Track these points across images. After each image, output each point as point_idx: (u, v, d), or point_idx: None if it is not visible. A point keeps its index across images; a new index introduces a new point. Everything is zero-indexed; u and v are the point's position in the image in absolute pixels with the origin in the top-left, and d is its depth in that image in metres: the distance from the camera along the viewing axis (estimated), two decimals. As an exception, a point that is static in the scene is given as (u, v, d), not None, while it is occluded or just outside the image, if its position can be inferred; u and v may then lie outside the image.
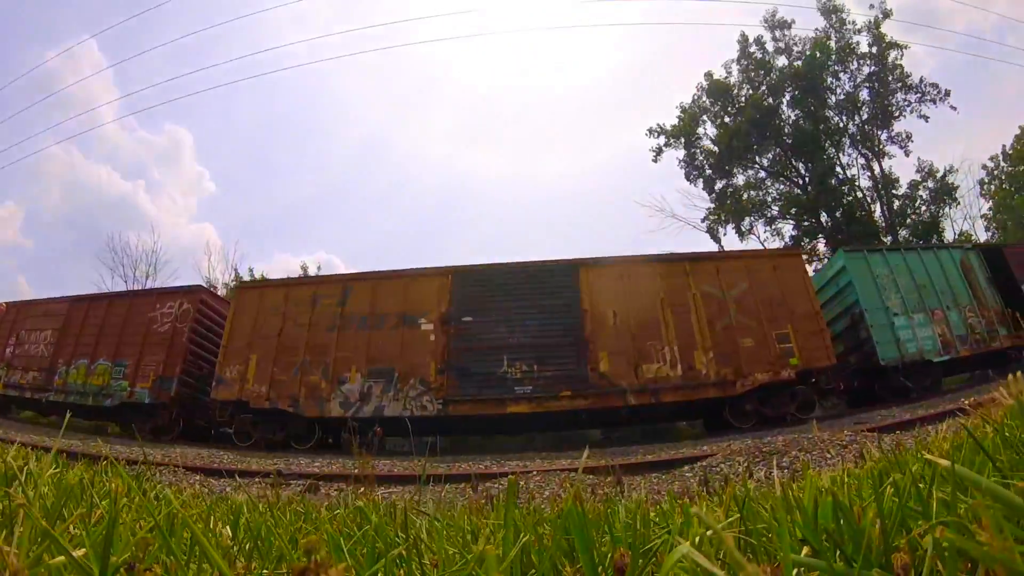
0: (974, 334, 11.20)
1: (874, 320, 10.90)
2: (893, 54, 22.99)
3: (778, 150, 24.50)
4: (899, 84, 23.01)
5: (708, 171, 25.41)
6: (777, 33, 24.40)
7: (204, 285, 11.61)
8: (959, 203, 23.22)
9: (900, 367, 10.59)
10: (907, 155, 23.15)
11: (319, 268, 30.72)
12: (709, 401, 9.76)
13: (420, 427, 9.72)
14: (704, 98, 25.51)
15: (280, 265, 46.83)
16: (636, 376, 9.63)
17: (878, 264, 11.44)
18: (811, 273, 13.43)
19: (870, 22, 23.08)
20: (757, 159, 25.02)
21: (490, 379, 9.66)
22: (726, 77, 25.26)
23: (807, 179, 24.03)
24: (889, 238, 22.31)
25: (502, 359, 9.70)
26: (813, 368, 9.89)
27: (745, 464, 5.08)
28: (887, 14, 22.85)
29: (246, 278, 25.68)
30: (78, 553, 0.62)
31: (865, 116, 23.56)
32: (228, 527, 1.20)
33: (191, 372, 10.59)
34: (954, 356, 10.96)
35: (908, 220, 23.01)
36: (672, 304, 10.14)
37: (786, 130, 24.13)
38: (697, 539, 0.80)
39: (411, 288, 10.32)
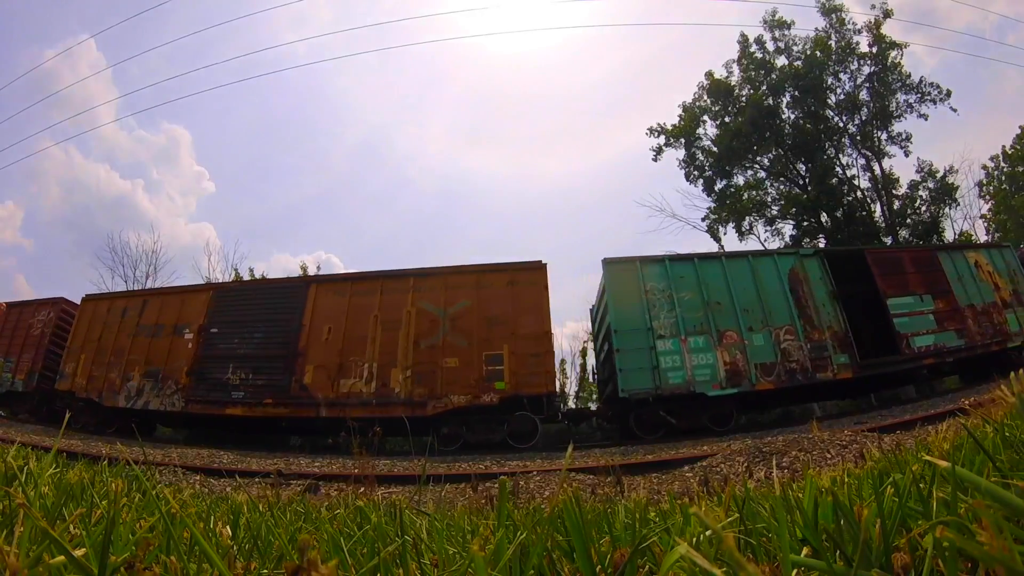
0: (789, 362, 9.47)
1: (621, 343, 9.50)
2: (893, 53, 23.00)
3: (778, 150, 24.49)
4: (899, 84, 23.01)
5: (708, 171, 25.41)
6: (777, 33, 24.40)
7: (66, 297, 13.83)
8: (959, 203, 23.22)
9: (655, 399, 9.13)
10: (907, 155, 23.16)
11: (319, 268, 30.72)
12: (412, 419, 8.62)
13: (171, 420, 11.93)
14: (705, 98, 25.51)
15: (279, 264, 46.81)
16: (332, 389, 9.97)
17: (653, 276, 9.94)
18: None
19: (870, 22, 23.09)
20: (757, 159, 25.02)
21: (217, 384, 10.69)
22: (727, 77, 25.26)
23: (807, 179, 24.02)
24: (889, 238, 22.30)
25: (228, 367, 10.71)
26: (525, 394, 9.27)
27: (745, 464, 5.08)
28: (888, 14, 22.85)
29: (246, 278, 25.75)
30: (78, 553, 0.62)
31: (865, 116, 23.56)
32: (228, 527, 1.20)
33: (51, 368, 12.66)
34: (746, 389, 9.29)
35: (908, 220, 23.01)
36: (384, 320, 10.23)
37: (786, 130, 24.12)
38: (697, 539, 0.80)
39: (186, 302, 11.64)
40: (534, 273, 10.24)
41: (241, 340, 10.91)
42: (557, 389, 9.64)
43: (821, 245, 23.72)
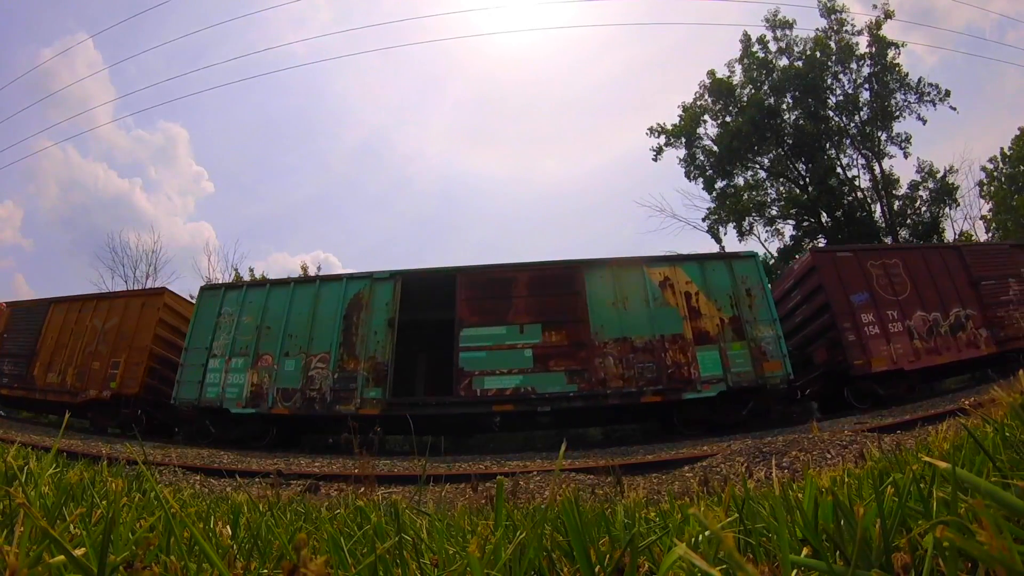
0: (311, 390, 9.74)
1: (187, 359, 10.39)
2: (891, 53, 22.99)
3: (779, 150, 24.49)
4: (898, 84, 23.01)
5: (708, 171, 25.42)
6: (778, 33, 24.41)
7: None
8: (959, 204, 23.23)
9: (199, 410, 10.08)
10: (906, 156, 23.20)
11: (319, 268, 30.74)
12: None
13: None
14: (706, 97, 25.52)
15: (278, 264, 46.93)
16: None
17: (229, 302, 10.65)
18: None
19: (870, 23, 23.10)
20: (758, 159, 25.02)
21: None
22: (729, 76, 25.27)
23: (807, 179, 24.02)
24: (889, 239, 22.30)
25: None
26: (124, 394, 10.77)
27: (745, 464, 5.08)
28: (889, 14, 22.86)
29: (246, 278, 25.74)
30: (78, 552, 0.62)
31: (865, 116, 23.56)
32: (228, 527, 1.20)
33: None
34: (264, 412, 9.77)
35: (908, 221, 23.01)
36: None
37: (787, 130, 24.13)
38: (696, 539, 0.80)
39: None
40: (156, 298, 11.64)
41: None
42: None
43: (820, 246, 23.75)
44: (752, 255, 10.89)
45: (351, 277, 10.72)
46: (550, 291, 10.03)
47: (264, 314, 10.38)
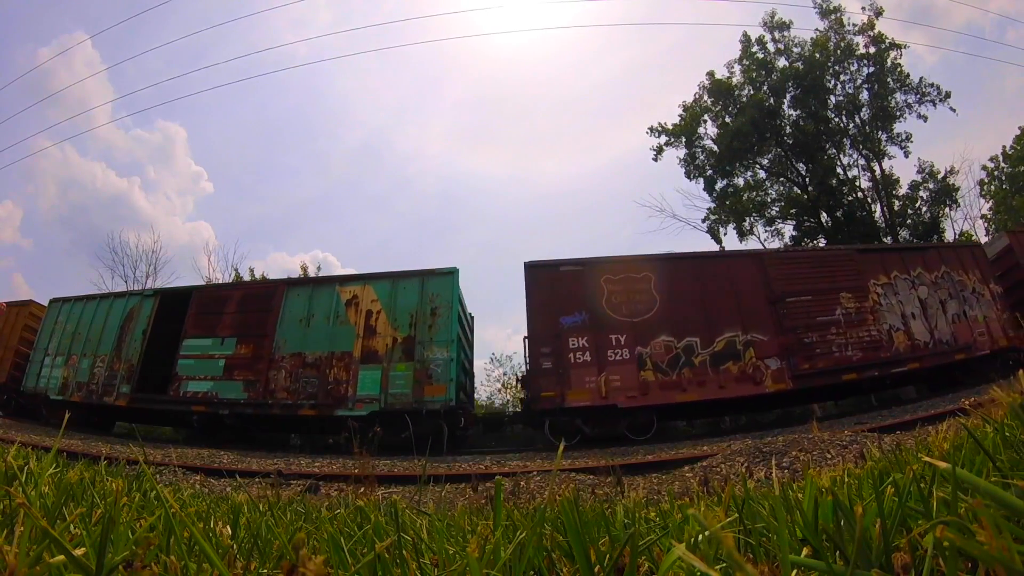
0: (91, 384, 11.74)
1: (33, 357, 12.92)
2: (892, 54, 23.00)
3: (779, 150, 24.48)
4: (898, 85, 23.01)
5: (709, 171, 25.41)
6: (777, 34, 24.40)
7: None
8: (959, 204, 23.22)
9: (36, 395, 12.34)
10: (907, 156, 23.17)
11: (319, 268, 30.72)
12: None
13: None
14: (706, 97, 25.51)
15: (277, 263, 46.96)
16: None
17: (64, 312, 12.88)
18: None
19: (863, 22, 23.11)
20: (758, 159, 25.01)
21: None
22: (728, 77, 25.26)
23: (807, 179, 24.02)
24: (889, 239, 22.28)
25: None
26: None
27: (745, 464, 5.08)
28: (879, 12, 22.85)
29: (246, 277, 25.76)
30: (77, 552, 0.62)
31: (865, 117, 23.56)
32: (228, 527, 1.20)
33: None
34: (67, 398, 11.78)
35: (908, 221, 23.00)
36: None
37: (787, 130, 24.12)
38: (696, 539, 0.80)
39: None
40: None
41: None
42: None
43: (821, 246, 23.73)
44: (451, 272, 10.13)
45: (131, 294, 13.33)
46: (252, 308, 11.01)
47: (79, 323, 12.50)
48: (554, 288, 9.90)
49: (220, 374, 10.54)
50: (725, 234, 25.23)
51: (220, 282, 11.67)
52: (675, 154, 25.85)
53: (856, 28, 23.32)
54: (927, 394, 10.87)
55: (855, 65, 23.47)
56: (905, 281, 10.90)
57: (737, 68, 25.17)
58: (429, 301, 9.92)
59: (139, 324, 11.80)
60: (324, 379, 9.86)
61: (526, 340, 9.88)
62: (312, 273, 27.25)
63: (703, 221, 25.56)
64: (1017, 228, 13.73)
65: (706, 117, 25.49)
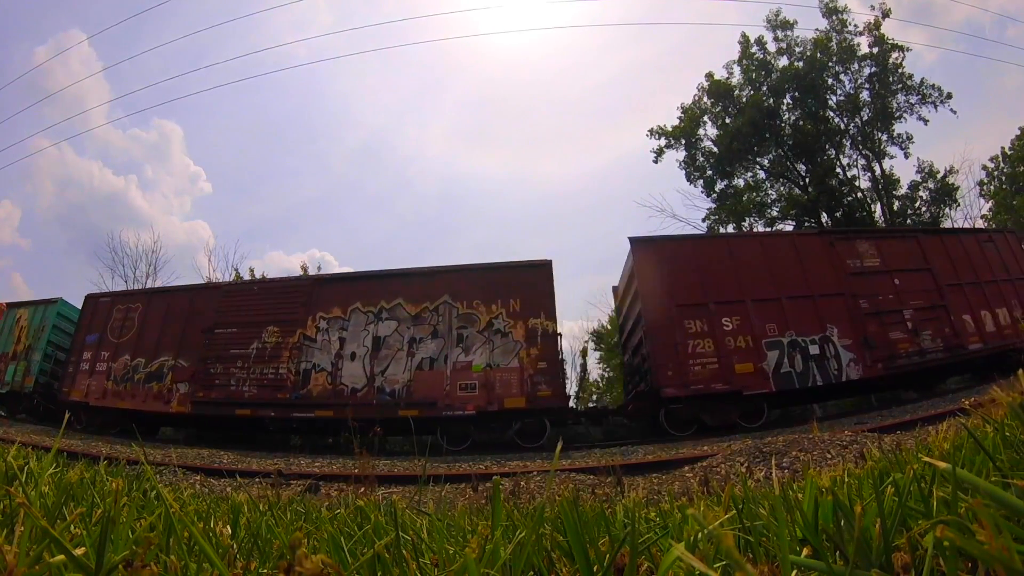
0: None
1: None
2: (895, 55, 22.98)
3: (778, 151, 24.47)
4: (900, 85, 23.00)
5: (709, 171, 25.40)
6: (779, 33, 24.38)
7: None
8: (959, 204, 23.22)
9: None
10: (907, 157, 23.16)
11: (319, 268, 30.72)
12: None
13: None
14: (705, 99, 25.50)
15: (274, 263, 46.98)
16: None
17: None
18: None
19: (870, 23, 23.09)
20: (757, 160, 25.01)
21: None
22: (727, 78, 25.25)
23: (807, 180, 24.01)
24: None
25: None
26: None
27: (745, 464, 5.08)
28: (887, 13, 22.85)
29: (246, 277, 25.76)
30: (77, 551, 0.62)
31: (866, 117, 23.55)
32: (228, 526, 1.20)
33: None
34: None
35: (908, 221, 22.99)
36: None
37: (787, 131, 24.10)
38: (695, 539, 0.80)
39: None
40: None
41: None
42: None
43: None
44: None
45: None
46: None
47: None
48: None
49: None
50: (725, 234, 25.25)
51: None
52: (675, 156, 25.87)
53: (860, 28, 23.32)
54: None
55: (856, 65, 23.47)
56: (364, 315, 10.48)
57: (736, 69, 25.19)
58: None
59: None
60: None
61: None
62: (310, 272, 27.27)
63: (703, 221, 25.58)
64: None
65: (706, 118, 25.49)
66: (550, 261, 10.56)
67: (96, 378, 11.51)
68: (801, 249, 10.83)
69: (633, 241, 10.90)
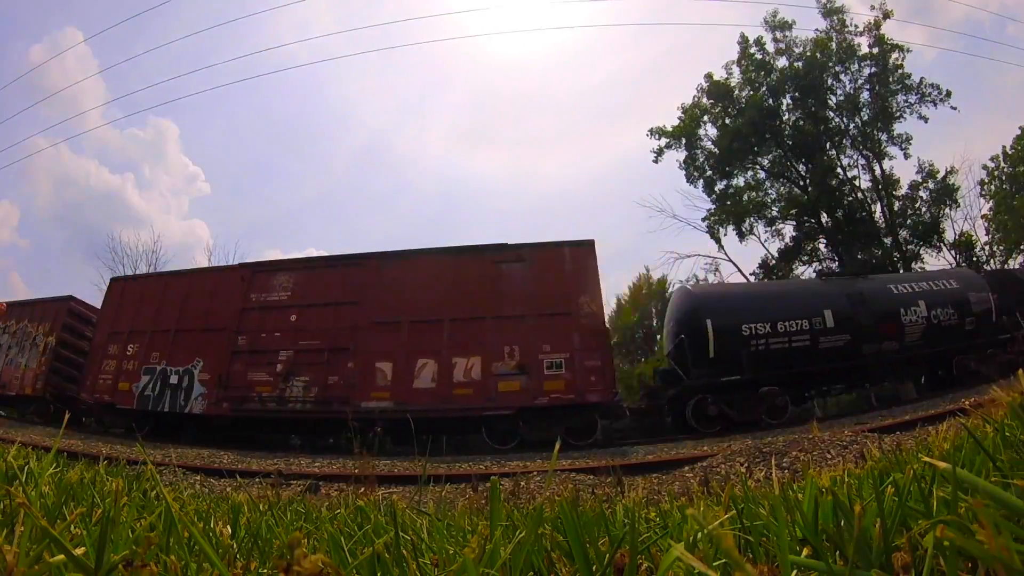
0: None
1: None
2: (895, 55, 22.97)
3: (778, 151, 24.45)
4: (899, 85, 22.99)
5: (708, 172, 25.38)
6: (778, 34, 24.38)
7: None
8: (959, 204, 23.20)
9: None
10: (907, 157, 23.15)
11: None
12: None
13: None
14: (704, 99, 25.49)
15: (276, 264, 46.73)
16: None
17: None
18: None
19: (870, 23, 23.08)
20: (757, 160, 24.99)
21: None
22: (726, 78, 25.24)
23: (807, 180, 24.00)
24: (889, 239, 22.27)
25: None
26: None
27: (745, 464, 5.07)
28: (888, 14, 22.84)
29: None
30: (78, 551, 0.62)
31: (866, 117, 23.54)
32: (228, 526, 1.20)
33: None
34: None
35: (908, 221, 22.98)
36: None
37: (786, 131, 24.09)
38: (695, 539, 0.80)
39: None
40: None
41: None
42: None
43: (821, 246, 23.69)
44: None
45: None
46: None
47: None
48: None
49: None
50: (725, 235, 25.22)
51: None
52: (675, 156, 25.85)
53: (859, 29, 23.31)
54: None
55: (856, 65, 23.45)
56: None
57: (735, 69, 25.18)
58: None
59: None
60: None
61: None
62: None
63: (702, 221, 25.55)
64: None
65: (705, 118, 25.46)
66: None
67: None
68: (221, 283, 11.41)
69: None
